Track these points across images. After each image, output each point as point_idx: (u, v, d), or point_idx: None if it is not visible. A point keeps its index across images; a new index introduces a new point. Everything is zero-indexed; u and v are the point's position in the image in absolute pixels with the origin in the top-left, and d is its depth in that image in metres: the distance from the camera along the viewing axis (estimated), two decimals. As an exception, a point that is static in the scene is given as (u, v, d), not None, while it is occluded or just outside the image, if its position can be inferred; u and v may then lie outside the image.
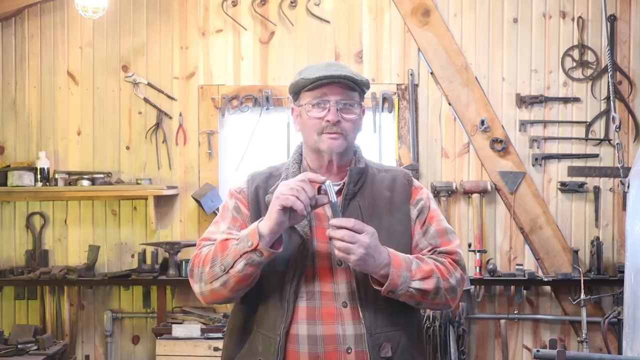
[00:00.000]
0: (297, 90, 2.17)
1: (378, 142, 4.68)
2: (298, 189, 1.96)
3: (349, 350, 2.06)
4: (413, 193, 2.21)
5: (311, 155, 2.19)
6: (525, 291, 4.65)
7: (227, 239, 2.05)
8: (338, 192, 2.15)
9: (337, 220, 1.97)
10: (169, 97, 4.78)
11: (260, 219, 2.03)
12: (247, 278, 2.03)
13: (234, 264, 2.00)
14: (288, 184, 1.99)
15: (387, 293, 2.02)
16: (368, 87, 2.19)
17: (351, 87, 2.12)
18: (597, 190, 4.68)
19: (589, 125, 4.69)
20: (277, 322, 2.07)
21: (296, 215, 1.99)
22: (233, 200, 2.22)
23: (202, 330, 4.41)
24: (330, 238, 1.99)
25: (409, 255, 2.09)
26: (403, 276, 2.02)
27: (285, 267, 2.07)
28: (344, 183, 2.15)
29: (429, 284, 2.06)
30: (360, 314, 2.06)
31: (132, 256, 4.79)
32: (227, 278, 2.03)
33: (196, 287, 2.11)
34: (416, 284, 2.04)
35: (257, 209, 2.16)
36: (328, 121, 2.10)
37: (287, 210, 1.96)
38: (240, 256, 1.99)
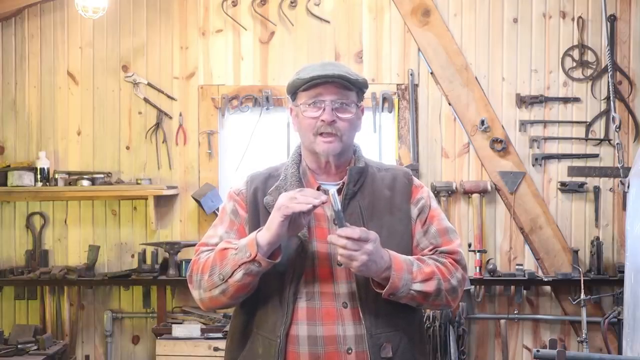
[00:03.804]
0: (293, 91, 2.17)
1: (378, 142, 4.68)
2: (296, 195, 1.97)
3: (350, 351, 2.06)
4: (413, 192, 2.21)
5: (309, 157, 2.19)
6: (525, 291, 4.65)
7: (225, 248, 2.05)
8: (338, 192, 2.14)
9: (343, 231, 1.96)
10: (169, 97, 4.78)
11: (260, 228, 2.03)
12: (246, 287, 2.04)
13: (232, 273, 2.01)
14: (287, 194, 2.00)
15: (388, 296, 2.02)
16: (366, 87, 2.19)
17: (347, 86, 2.12)
18: (597, 190, 4.68)
19: (589, 125, 4.69)
20: (277, 323, 2.07)
21: (296, 225, 2.00)
22: (231, 202, 2.22)
23: (202, 330, 4.41)
24: (333, 244, 2.00)
25: (409, 257, 2.09)
26: (404, 279, 2.02)
27: (285, 269, 2.07)
28: (344, 183, 2.15)
29: (430, 286, 2.06)
30: (361, 314, 2.06)
31: (132, 256, 4.79)
32: (226, 287, 2.04)
33: (195, 293, 2.12)
34: (417, 286, 2.04)
35: (256, 211, 2.16)
36: (323, 121, 2.09)
37: (287, 221, 1.97)
38: (239, 266, 2.00)
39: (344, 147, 2.13)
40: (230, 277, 2.02)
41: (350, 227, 1.97)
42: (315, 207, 1.97)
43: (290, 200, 1.96)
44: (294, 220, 1.99)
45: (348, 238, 1.95)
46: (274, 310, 2.08)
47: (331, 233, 2.03)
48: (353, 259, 1.96)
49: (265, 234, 1.99)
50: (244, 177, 2.28)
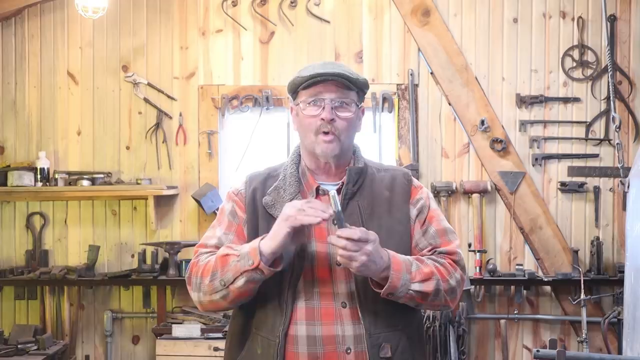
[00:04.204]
0: (294, 89, 2.17)
1: (378, 142, 4.68)
2: (305, 207, 1.97)
3: (349, 351, 2.06)
4: (412, 192, 2.21)
5: (308, 157, 2.19)
6: (525, 291, 4.64)
7: (227, 255, 2.05)
8: (337, 192, 2.14)
9: (343, 232, 1.96)
10: (169, 97, 4.78)
11: (263, 236, 2.03)
12: (247, 292, 2.05)
13: (234, 280, 2.02)
14: (294, 205, 1.99)
15: (387, 295, 2.02)
16: (366, 87, 2.19)
17: (347, 85, 2.12)
18: (597, 190, 4.68)
19: (589, 125, 4.69)
20: (275, 323, 2.07)
21: (300, 234, 2.01)
22: (230, 203, 2.22)
23: (202, 330, 4.41)
24: (333, 245, 2.00)
25: (408, 257, 2.09)
26: (403, 278, 2.02)
27: (284, 269, 2.06)
28: (343, 183, 2.15)
29: (428, 286, 2.06)
30: (360, 314, 2.06)
31: (132, 256, 4.79)
32: (227, 292, 2.05)
33: (194, 296, 2.13)
34: (416, 286, 2.04)
35: (254, 211, 2.16)
36: (322, 119, 2.09)
37: (293, 231, 1.97)
38: (241, 274, 2.00)
39: (342, 147, 2.13)
40: (231, 283, 2.02)
41: (350, 228, 1.97)
42: (324, 220, 1.97)
43: (299, 212, 1.96)
44: (298, 231, 1.99)
45: (348, 239, 1.95)
46: (273, 311, 2.08)
47: (330, 234, 2.03)
48: (353, 260, 1.96)
49: (270, 244, 1.99)
50: (243, 177, 2.27)
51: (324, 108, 2.10)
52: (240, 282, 2.01)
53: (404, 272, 2.03)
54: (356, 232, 1.96)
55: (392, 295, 2.03)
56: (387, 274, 2.00)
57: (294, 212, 1.97)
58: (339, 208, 1.96)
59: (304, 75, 2.12)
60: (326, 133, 2.10)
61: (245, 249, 2.03)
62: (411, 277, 2.04)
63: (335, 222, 1.99)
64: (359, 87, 2.15)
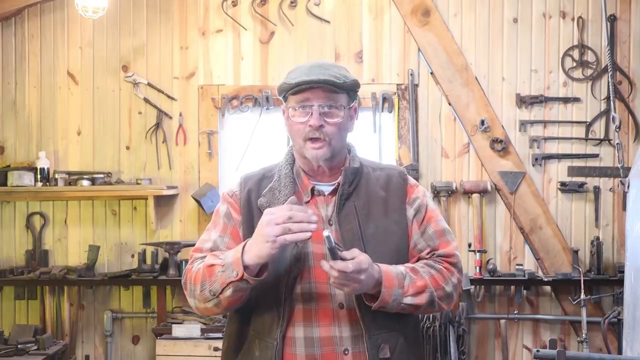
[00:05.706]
0: (283, 94, 2.15)
1: (378, 142, 4.68)
2: (289, 226, 1.92)
3: (346, 352, 2.06)
4: (409, 192, 2.20)
5: (301, 159, 2.18)
6: (525, 291, 4.64)
7: (212, 265, 2.03)
8: (333, 193, 2.14)
9: (337, 265, 1.93)
10: (169, 97, 4.78)
11: (244, 243, 1.99)
12: (239, 299, 2.05)
13: (222, 290, 2.01)
14: (275, 221, 1.92)
15: (378, 308, 2.03)
16: (357, 87, 2.15)
17: (335, 90, 2.09)
18: (597, 190, 4.68)
19: (589, 125, 4.69)
20: (273, 326, 2.07)
21: (288, 246, 1.99)
22: (225, 205, 2.21)
23: (202, 330, 4.41)
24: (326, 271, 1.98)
25: (402, 269, 2.07)
26: (394, 294, 2.02)
27: (280, 271, 2.06)
28: (339, 183, 2.14)
29: (421, 299, 2.07)
30: (359, 314, 2.06)
31: (132, 256, 4.79)
32: (218, 301, 2.04)
33: (190, 301, 2.13)
34: (408, 300, 2.05)
35: (250, 213, 2.15)
36: (311, 126, 2.07)
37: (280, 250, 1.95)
38: (227, 284, 1.99)
39: (333, 151, 2.11)
40: (220, 293, 2.01)
41: (343, 262, 1.93)
42: (313, 231, 1.93)
43: (283, 231, 1.91)
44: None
45: (340, 272, 1.93)
46: (270, 313, 2.08)
47: (324, 258, 2.00)
48: (345, 286, 1.97)
49: (252, 256, 1.95)
50: (237, 178, 2.26)
51: (312, 114, 2.08)
52: (228, 292, 2.00)
53: (396, 287, 2.02)
54: (349, 266, 1.93)
55: (383, 308, 2.03)
56: (378, 290, 2.00)
57: (278, 231, 1.91)
58: (333, 245, 1.92)
59: (289, 82, 2.10)
60: (315, 139, 2.08)
61: (229, 259, 2.00)
62: (403, 291, 2.04)
63: (328, 250, 1.94)
64: (348, 89, 2.12)
